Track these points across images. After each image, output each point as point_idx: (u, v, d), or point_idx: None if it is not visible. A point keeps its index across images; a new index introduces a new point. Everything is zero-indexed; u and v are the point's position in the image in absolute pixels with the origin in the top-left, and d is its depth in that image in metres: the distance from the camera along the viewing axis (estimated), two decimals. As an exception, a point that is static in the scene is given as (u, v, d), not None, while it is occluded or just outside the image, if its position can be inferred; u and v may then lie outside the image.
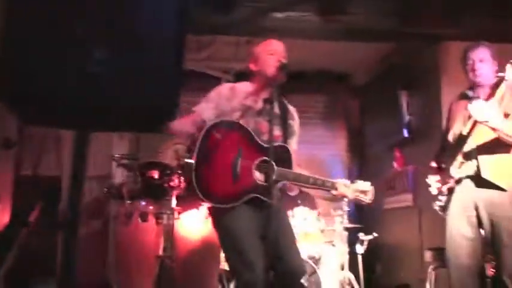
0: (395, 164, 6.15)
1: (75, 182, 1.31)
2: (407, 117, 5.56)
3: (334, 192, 2.90)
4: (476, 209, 3.24)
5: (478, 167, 3.20)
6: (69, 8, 1.19)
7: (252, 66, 3.01)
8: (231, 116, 2.86)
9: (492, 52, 3.37)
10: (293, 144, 3.05)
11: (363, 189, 2.95)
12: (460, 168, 3.29)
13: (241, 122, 2.83)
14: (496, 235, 3.17)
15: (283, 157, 2.78)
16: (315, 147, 6.99)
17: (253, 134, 2.76)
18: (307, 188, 3.00)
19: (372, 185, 2.99)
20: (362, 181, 2.99)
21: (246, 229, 2.69)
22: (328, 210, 5.40)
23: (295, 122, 3.09)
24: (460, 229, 3.30)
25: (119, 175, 4.48)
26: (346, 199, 3.14)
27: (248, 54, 3.12)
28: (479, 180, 3.20)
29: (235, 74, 6.72)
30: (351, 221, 5.75)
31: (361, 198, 2.95)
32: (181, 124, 2.83)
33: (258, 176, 2.72)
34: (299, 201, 5.13)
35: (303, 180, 2.88)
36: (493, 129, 3.09)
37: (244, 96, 2.92)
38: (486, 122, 3.06)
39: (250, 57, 3.05)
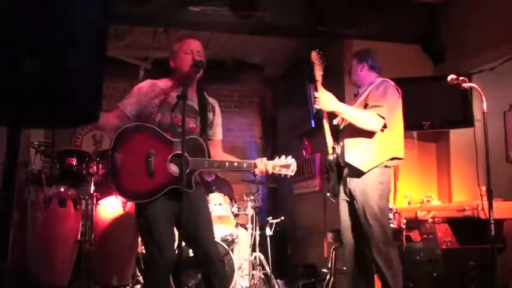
0: (303, 152, 6.56)
1: (8, 174, 1.49)
2: (314, 109, 5.94)
3: (255, 171, 3.12)
4: (349, 192, 3.68)
5: (342, 152, 3.68)
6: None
7: (171, 63, 3.19)
8: (150, 111, 3.05)
9: (357, 59, 3.93)
10: (216, 135, 3.29)
11: (285, 164, 3.15)
12: (332, 153, 3.77)
13: (159, 116, 3.03)
14: (361, 217, 3.59)
15: (196, 148, 2.99)
16: (231, 134, 7.31)
17: (161, 132, 2.98)
18: (228, 171, 3.24)
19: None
20: (284, 156, 3.18)
21: (161, 216, 2.94)
22: (242, 195, 5.70)
23: (215, 114, 3.29)
24: (343, 212, 3.77)
25: (38, 162, 4.53)
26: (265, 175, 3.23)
27: (169, 51, 3.26)
28: (345, 164, 3.68)
29: (153, 61, 6.87)
30: (263, 205, 6.13)
31: (284, 173, 3.15)
32: (107, 119, 3.03)
33: (174, 169, 2.95)
34: (214, 188, 5.38)
35: (217, 165, 3.14)
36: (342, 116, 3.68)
37: (162, 92, 3.11)
38: (325, 109, 3.65)
39: (170, 55, 3.22)
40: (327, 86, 4.04)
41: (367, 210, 3.53)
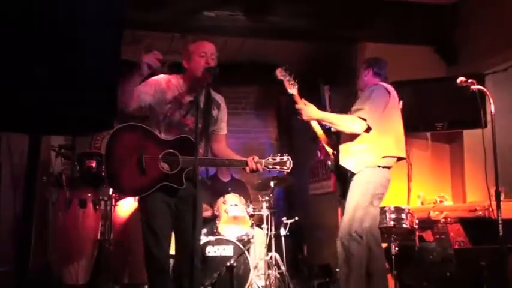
0: (318, 153, 6.62)
1: (30, 179, 1.60)
2: (329, 110, 6.00)
3: (246, 169, 3.20)
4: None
5: (337, 157, 3.82)
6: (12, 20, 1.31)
7: (185, 63, 3.28)
8: (163, 107, 3.18)
9: (365, 65, 4.11)
10: (220, 130, 3.38)
11: (279, 161, 3.22)
12: (331, 159, 3.97)
13: (169, 112, 3.16)
14: None
15: (188, 146, 3.06)
16: (248, 135, 7.40)
17: (153, 132, 3.14)
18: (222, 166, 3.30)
19: (296, 170, 3.33)
20: (279, 154, 3.26)
21: (159, 212, 3.10)
22: (257, 196, 5.78)
23: (220, 110, 3.38)
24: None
25: (58, 164, 4.67)
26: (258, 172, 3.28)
27: (183, 50, 3.34)
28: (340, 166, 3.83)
29: (169, 65, 6.98)
30: (279, 206, 6.21)
31: (279, 170, 3.23)
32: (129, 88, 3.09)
33: (166, 166, 3.09)
34: (229, 189, 5.48)
35: (208, 163, 3.29)
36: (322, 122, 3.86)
37: (176, 91, 3.22)
38: (309, 119, 3.81)
39: (183, 54, 3.31)
40: (341, 88, 4.19)
41: (347, 205, 3.69)
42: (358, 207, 3.65)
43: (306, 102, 3.82)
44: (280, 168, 3.23)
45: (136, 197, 3.22)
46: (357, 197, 3.67)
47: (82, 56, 1.42)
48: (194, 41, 3.30)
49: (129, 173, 3.06)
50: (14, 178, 3.02)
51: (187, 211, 3.12)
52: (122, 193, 3.25)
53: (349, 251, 3.62)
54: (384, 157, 3.69)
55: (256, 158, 3.20)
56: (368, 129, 3.67)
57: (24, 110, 1.41)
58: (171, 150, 3.07)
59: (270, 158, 3.23)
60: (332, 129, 3.95)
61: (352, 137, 3.72)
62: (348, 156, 3.74)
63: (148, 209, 3.14)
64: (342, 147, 3.81)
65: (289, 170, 3.26)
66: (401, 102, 4.00)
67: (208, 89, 3.33)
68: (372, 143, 3.69)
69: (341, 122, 3.72)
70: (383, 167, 3.73)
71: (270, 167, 3.21)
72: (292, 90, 3.87)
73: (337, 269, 3.91)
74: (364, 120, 3.63)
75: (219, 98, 3.42)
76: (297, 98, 3.84)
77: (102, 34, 1.48)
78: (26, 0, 1.33)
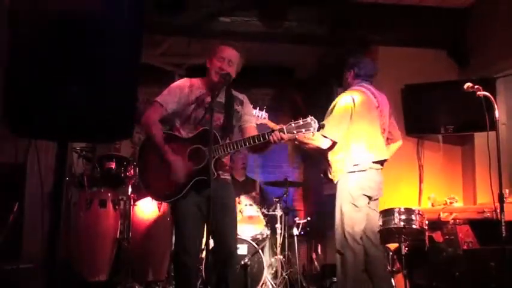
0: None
1: (59, 181, 1.75)
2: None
3: (270, 139, 3.12)
4: None
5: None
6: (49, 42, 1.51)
7: (207, 63, 3.43)
8: (187, 109, 3.34)
9: (347, 66, 4.21)
10: (247, 122, 3.50)
11: (302, 123, 3.12)
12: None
13: (194, 113, 3.31)
14: None
15: (209, 138, 3.07)
16: (263, 136, 7.52)
17: (175, 134, 3.31)
18: (246, 147, 3.28)
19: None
20: (301, 117, 3.16)
21: (189, 213, 3.23)
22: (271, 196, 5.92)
23: (244, 106, 3.54)
24: None
25: (80, 165, 4.85)
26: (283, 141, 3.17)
27: (209, 51, 3.47)
28: None
29: (187, 68, 7.15)
30: (292, 206, 6.34)
31: (306, 133, 3.12)
32: (152, 119, 3.31)
33: (193, 163, 3.22)
34: (243, 190, 5.62)
35: (234, 146, 3.24)
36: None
37: (197, 93, 3.39)
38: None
39: (207, 55, 3.45)
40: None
41: (335, 216, 3.87)
42: (343, 215, 3.83)
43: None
44: (306, 130, 3.11)
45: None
46: (339, 206, 3.87)
47: (106, 72, 1.58)
48: (219, 45, 3.43)
49: (162, 180, 3.21)
50: (41, 179, 3.19)
51: (224, 207, 3.26)
52: (162, 200, 3.40)
53: (344, 259, 3.79)
54: (355, 165, 3.81)
55: (278, 127, 3.18)
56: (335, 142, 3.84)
57: (56, 120, 1.57)
58: (195, 146, 3.20)
59: (292, 122, 3.15)
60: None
61: (331, 147, 3.89)
62: (328, 166, 3.96)
63: (179, 212, 3.27)
64: (324, 159, 4.02)
65: (316, 130, 3.17)
66: (379, 100, 4.08)
67: (230, 89, 3.50)
68: (345, 152, 3.86)
69: (307, 140, 3.85)
70: (358, 171, 3.84)
71: (294, 131, 3.11)
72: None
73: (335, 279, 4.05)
74: (326, 137, 3.82)
75: (240, 96, 3.57)
76: (269, 123, 4.02)
77: (125, 49, 1.63)
78: (63, 27, 1.48)
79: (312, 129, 3.13)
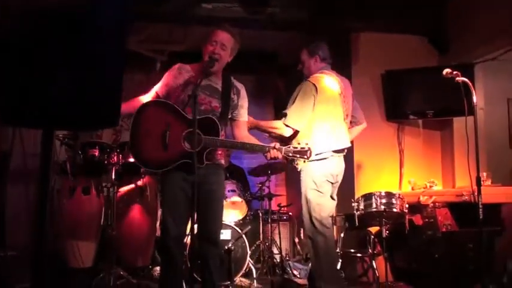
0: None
1: (44, 169, 1.77)
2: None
3: (267, 155, 3.28)
4: None
5: None
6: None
7: (202, 47, 3.43)
8: (177, 91, 3.37)
9: (308, 52, 4.26)
10: (240, 116, 3.49)
11: (300, 150, 3.29)
12: None
13: (182, 95, 3.31)
14: None
15: (211, 127, 3.21)
16: (246, 122, 7.55)
17: (180, 110, 3.24)
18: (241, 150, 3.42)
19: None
20: (299, 143, 3.34)
21: (174, 200, 3.25)
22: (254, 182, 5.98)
23: (240, 97, 3.50)
24: None
25: (62, 153, 4.83)
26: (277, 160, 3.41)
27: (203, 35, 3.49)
28: None
29: (169, 54, 7.13)
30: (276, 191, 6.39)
31: (299, 159, 3.32)
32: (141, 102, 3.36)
33: (187, 145, 3.20)
34: (228, 175, 5.65)
35: (229, 145, 3.37)
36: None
37: (187, 74, 3.41)
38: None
39: (202, 40, 3.45)
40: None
41: (301, 203, 3.94)
42: (309, 202, 3.89)
43: None
44: (300, 157, 3.30)
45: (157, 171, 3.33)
46: (304, 193, 3.91)
47: (92, 60, 1.59)
48: (213, 29, 3.43)
49: (152, 145, 3.18)
50: (26, 167, 3.19)
51: (209, 192, 3.29)
52: (144, 165, 3.33)
53: (316, 244, 3.85)
54: (317, 154, 3.82)
55: (278, 145, 3.29)
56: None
57: (42, 109, 1.59)
58: (191, 129, 3.14)
59: (290, 146, 3.32)
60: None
61: (294, 136, 3.93)
62: None
63: (165, 196, 3.32)
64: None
65: (308, 160, 3.35)
66: (341, 85, 4.12)
67: (229, 75, 3.52)
68: (307, 140, 3.85)
69: (269, 129, 3.96)
70: (320, 159, 3.88)
71: (290, 155, 3.29)
72: None
73: (310, 263, 4.12)
74: (287, 125, 3.87)
75: (239, 85, 3.56)
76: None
77: (110, 37, 1.64)
78: (48, 17, 1.50)
79: (305, 157, 3.31)
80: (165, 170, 3.25)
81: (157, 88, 3.46)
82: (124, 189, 5.05)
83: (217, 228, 3.41)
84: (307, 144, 3.33)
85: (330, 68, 4.17)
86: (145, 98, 3.42)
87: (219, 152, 3.44)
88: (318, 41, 4.28)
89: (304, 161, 3.37)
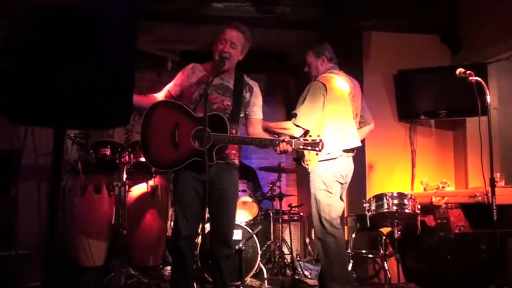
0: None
1: (56, 168, 1.76)
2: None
3: (277, 149, 3.20)
4: None
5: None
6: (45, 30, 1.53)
7: (213, 46, 3.42)
8: (190, 90, 3.36)
9: (314, 53, 4.21)
10: (253, 114, 3.47)
11: (311, 142, 3.20)
12: None
13: (195, 94, 3.31)
14: None
15: (219, 124, 3.18)
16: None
17: (188, 109, 3.24)
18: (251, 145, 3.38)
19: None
20: (309, 136, 3.26)
21: (186, 200, 3.23)
22: (266, 182, 5.96)
23: (253, 94, 3.48)
24: None
25: (74, 152, 4.86)
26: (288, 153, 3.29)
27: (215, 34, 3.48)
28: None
29: (180, 53, 7.13)
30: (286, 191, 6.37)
31: (311, 151, 3.24)
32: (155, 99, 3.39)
33: (197, 143, 3.19)
34: (238, 175, 5.63)
35: (238, 141, 3.30)
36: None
37: (200, 75, 3.41)
38: None
39: (213, 39, 3.44)
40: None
41: (311, 204, 3.89)
42: (319, 203, 3.84)
43: None
44: (312, 149, 3.22)
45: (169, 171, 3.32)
46: (314, 194, 3.87)
47: (104, 59, 1.59)
48: (223, 28, 3.41)
49: (162, 146, 3.18)
50: (38, 166, 3.19)
51: (222, 190, 3.28)
52: (155, 165, 3.34)
53: (326, 244, 3.80)
54: (328, 153, 3.80)
55: (287, 138, 3.22)
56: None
57: (53, 108, 1.58)
58: (200, 127, 3.15)
59: (301, 138, 3.25)
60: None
61: (304, 136, 3.86)
62: (302, 155, 3.94)
63: (178, 196, 3.30)
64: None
65: (321, 151, 3.27)
66: (351, 85, 4.08)
67: (242, 73, 3.50)
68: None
69: (279, 130, 3.88)
70: (330, 159, 3.85)
71: (301, 147, 3.22)
72: None
73: (320, 263, 4.08)
74: (298, 126, 3.82)
75: (252, 83, 3.54)
76: None
77: (121, 36, 1.64)
78: (60, 14, 1.49)
79: (317, 149, 3.22)
80: (177, 170, 3.24)
81: (169, 87, 3.47)
82: (135, 188, 5.05)
83: (230, 229, 3.40)
84: (318, 136, 3.27)
85: (338, 67, 4.14)
86: (159, 96, 3.44)
87: (233, 152, 3.43)
88: (322, 41, 4.24)
89: (317, 154, 3.34)
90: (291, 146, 3.20)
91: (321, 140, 3.23)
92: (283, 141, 3.20)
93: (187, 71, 3.45)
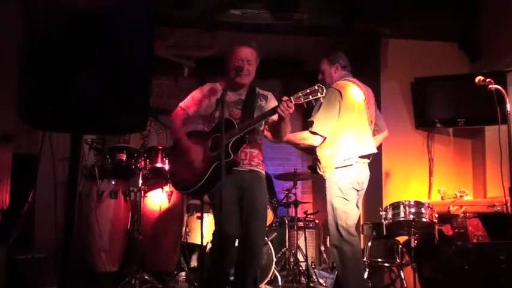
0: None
1: (73, 173, 1.77)
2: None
3: (278, 111, 3.17)
4: None
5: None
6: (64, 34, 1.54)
7: (226, 66, 3.52)
8: (209, 110, 3.47)
9: (328, 61, 4.22)
10: (274, 117, 3.46)
11: (309, 91, 3.16)
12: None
13: (216, 113, 3.35)
14: None
15: (227, 125, 3.22)
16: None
17: (198, 130, 3.47)
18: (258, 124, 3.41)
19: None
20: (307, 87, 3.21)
21: (223, 202, 3.15)
22: (281, 188, 5.94)
23: (268, 100, 3.61)
24: None
25: (91, 157, 4.89)
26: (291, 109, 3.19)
27: (227, 52, 3.55)
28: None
29: (197, 59, 7.15)
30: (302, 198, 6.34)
31: (314, 98, 3.16)
32: (177, 125, 3.54)
33: (213, 152, 3.33)
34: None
35: (245, 125, 3.32)
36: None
37: (219, 93, 3.44)
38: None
39: (225, 58, 3.54)
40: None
41: (327, 210, 3.85)
42: (335, 210, 3.80)
43: None
44: (313, 96, 3.15)
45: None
46: (330, 201, 3.83)
47: (121, 64, 1.59)
48: (234, 47, 3.49)
49: (186, 171, 3.36)
50: (55, 171, 3.22)
51: (253, 198, 3.37)
52: (185, 192, 3.65)
53: (342, 252, 3.76)
54: (344, 160, 3.78)
55: (285, 98, 3.19)
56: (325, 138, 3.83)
57: (71, 113, 1.59)
58: (214, 136, 3.33)
59: (299, 92, 3.20)
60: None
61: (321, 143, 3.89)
62: (318, 162, 3.93)
63: (214, 199, 3.39)
64: (312, 153, 4.02)
65: (323, 95, 3.20)
66: (365, 92, 4.06)
67: (254, 86, 3.60)
68: (334, 148, 3.83)
69: (298, 140, 3.92)
70: (346, 166, 3.82)
71: (302, 99, 3.16)
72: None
73: (336, 272, 4.04)
74: (315, 133, 3.80)
75: (266, 92, 3.68)
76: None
77: (139, 42, 1.63)
78: (78, 19, 1.50)
79: (319, 94, 3.17)
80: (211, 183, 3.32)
81: (187, 108, 3.54)
82: (151, 194, 5.06)
83: (260, 238, 3.47)
84: (316, 85, 3.21)
85: (351, 75, 4.13)
86: (176, 119, 3.53)
87: (256, 160, 3.52)
88: (336, 49, 4.27)
89: (320, 98, 3.26)
90: (292, 102, 3.15)
91: (319, 85, 3.20)
92: (282, 101, 3.17)
93: (206, 91, 3.55)
